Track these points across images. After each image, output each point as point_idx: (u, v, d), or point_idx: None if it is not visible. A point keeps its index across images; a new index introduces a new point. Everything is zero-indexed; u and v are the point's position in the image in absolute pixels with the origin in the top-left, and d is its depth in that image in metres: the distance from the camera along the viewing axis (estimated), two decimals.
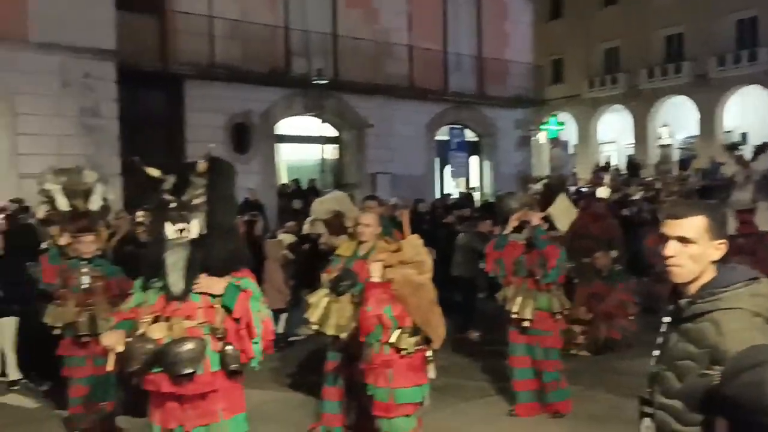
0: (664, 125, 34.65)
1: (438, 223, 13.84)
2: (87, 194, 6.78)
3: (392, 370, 4.47)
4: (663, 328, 2.35)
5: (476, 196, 21.79)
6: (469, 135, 22.80)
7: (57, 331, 6.06)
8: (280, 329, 9.51)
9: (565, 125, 33.37)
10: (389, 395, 4.46)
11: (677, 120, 34.51)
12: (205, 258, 3.65)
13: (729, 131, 32.61)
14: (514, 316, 6.36)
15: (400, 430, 4.49)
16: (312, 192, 16.75)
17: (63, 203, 6.62)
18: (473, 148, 23.15)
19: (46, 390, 7.61)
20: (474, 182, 23.66)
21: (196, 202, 3.67)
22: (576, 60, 38.11)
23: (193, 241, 3.66)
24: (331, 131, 19.72)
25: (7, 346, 7.99)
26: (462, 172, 21.23)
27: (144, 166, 3.82)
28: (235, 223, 3.95)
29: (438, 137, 21.92)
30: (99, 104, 14.52)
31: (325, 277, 5.77)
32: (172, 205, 3.66)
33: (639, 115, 36.11)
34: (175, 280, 3.63)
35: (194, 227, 3.66)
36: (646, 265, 10.17)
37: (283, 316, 9.66)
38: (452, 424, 6.27)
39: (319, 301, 5.70)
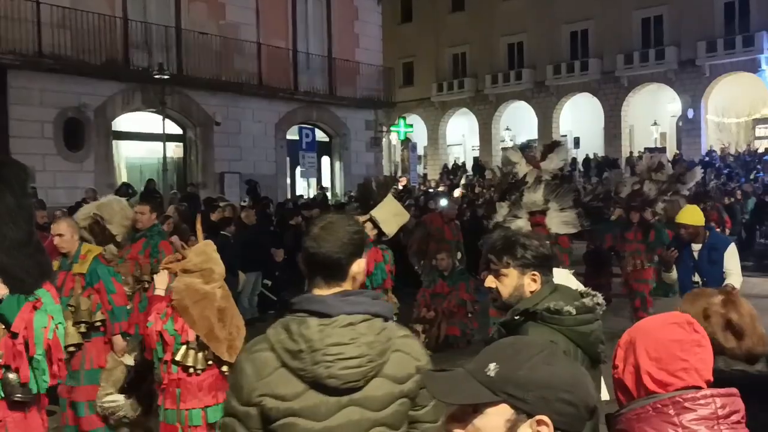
0: (507, 129, 36.49)
1: (285, 225, 13.65)
2: None
3: (180, 390, 4.12)
4: None
5: (328, 196, 21.77)
6: (320, 135, 22.69)
7: None
8: None
9: (413, 127, 34.18)
10: (178, 417, 4.14)
11: (519, 124, 36.48)
12: None
13: (564, 135, 34.84)
14: None
15: None
16: (152, 193, 15.91)
17: None
18: (324, 149, 23.07)
19: None
20: (326, 182, 23.61)
21: None
22: (426, 63, 39.19)
23: None
24: (174, 128, 18.87)
25: None
26: (312, 172, 21.06)
27: None
28: (24, 237, 3.45)
29: (289, 137, 21.63)
30: None
31: None
32: None
33: (484, 118, 37.81)
34: None
35: None
36: None
37: None
38: None
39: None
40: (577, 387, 1.37)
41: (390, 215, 6.20)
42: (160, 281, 4.21)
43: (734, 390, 1.70)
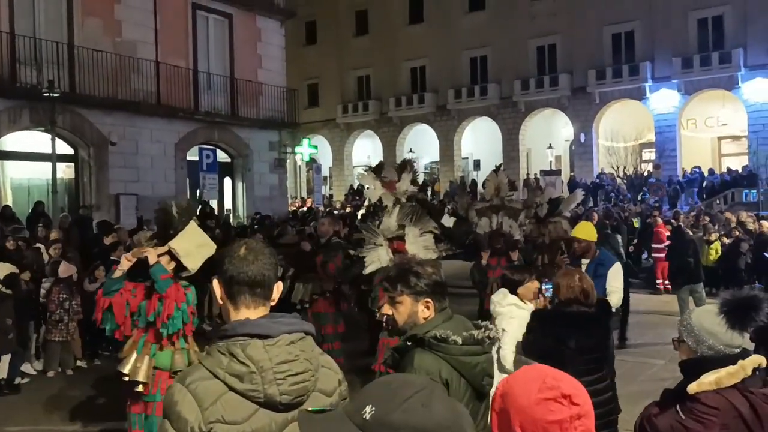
0: (411, 150, 37.05)
1: None
2: None
3: None
4: None
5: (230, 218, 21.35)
6: (222, 156, 22.28)
7: None
8: (3, 374, 8.54)
9: (318, 148, 34.18)
10: None
11: (422, 146, 37.15)
12: None
13: (465, 157, 35.75)
14: (125, 379, 4.96)
15: None
16: (41, 216, 15.10)
17: None
18: (226, 170, 22.66)
19: None
20: (228, 204, 23.16)
21: None
22: (330, 85, 39.36)
23: None
24: (66, 148, 18.03)
25: None
26: (214, 193, 20.63)
27: None
28: None
29: (189, 157, 21.10)
30: None
31: None
32: None
33: (388, 140, 38.28)
34: None
35: None
36: None
37: (5, 359, 8.56)
38: None
39: None
40: (453, 429, 1.34)
41: (194, 247, 5.12)
42: None
43: None
